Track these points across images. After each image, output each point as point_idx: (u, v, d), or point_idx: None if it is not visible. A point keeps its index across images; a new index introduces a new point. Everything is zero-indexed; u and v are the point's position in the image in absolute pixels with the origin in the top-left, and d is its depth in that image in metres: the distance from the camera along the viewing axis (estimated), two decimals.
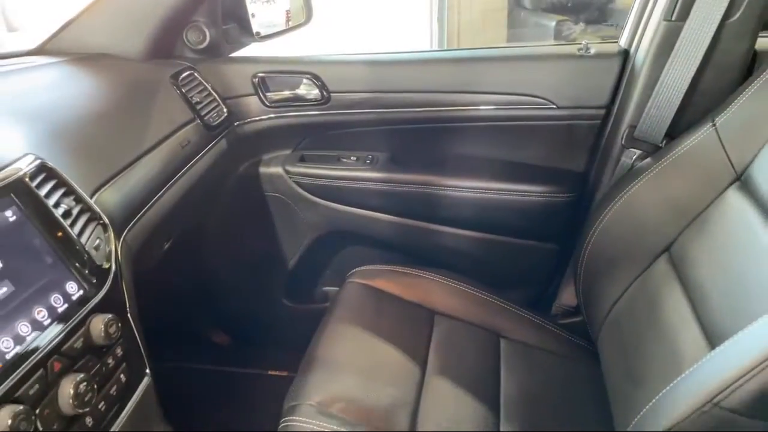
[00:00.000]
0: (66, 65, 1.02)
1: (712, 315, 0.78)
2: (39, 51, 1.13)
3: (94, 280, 0.67)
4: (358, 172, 1.26)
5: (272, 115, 1.26)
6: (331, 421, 0.83)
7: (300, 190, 1.31)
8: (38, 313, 0.59)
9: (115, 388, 0.67)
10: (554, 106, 1.16)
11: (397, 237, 1.31)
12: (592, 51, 1.14)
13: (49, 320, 0.60)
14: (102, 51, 1.11)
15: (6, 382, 0.53)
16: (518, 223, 1.24)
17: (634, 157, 1.07)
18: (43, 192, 0.66)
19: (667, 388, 0.67)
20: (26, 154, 0.68)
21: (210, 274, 1.42)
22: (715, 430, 0.60)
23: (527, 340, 1.09)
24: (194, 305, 1.51)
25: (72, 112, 0.87)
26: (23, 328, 0.57)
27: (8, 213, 0.61)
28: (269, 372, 1.43)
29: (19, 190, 0.63)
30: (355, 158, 1.28)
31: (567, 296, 1.25)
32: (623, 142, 1.08)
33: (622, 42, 1.15)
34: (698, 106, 1.01)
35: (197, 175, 1.06)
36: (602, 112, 1.15)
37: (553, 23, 3.68)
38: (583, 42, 1.15)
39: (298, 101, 1.25)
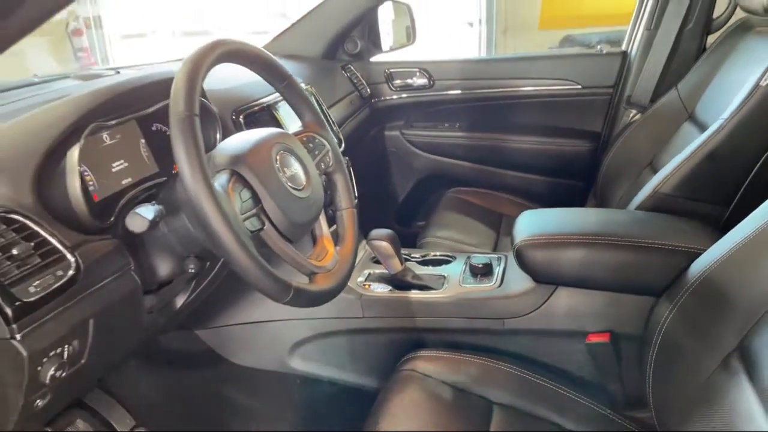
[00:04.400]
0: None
1: None
2: None
3: None
4: (450, 133, 1.93)
5: (400, 95, 1.94)
6: None
7: (410, 147, 1.97)
8: None
9: None
10: (580, 87, 1.80)
11: (473, 177, 1.94)
12: (604, 51, 1.78)
13: None
14: (293, 53, 1.82)
15: None
16: (555, 166, 1.86)
17: (631, 116, 1.68)
18: None
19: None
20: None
21: None
22: (655, 207, 1.18)
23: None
24: None
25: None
26: None
27: None
28: None
29: None
30: (447, 125, 1.95)
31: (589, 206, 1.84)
32: (624, 106, 1.70)
33: (623, 46, 1.79)
34: (670, 81, 1.61)
35: (354, 127, 1.74)
36: (611, 90, 1.78)
37: None
38: (599, 46, 1.79)
39: (412, 87, 1.93)
